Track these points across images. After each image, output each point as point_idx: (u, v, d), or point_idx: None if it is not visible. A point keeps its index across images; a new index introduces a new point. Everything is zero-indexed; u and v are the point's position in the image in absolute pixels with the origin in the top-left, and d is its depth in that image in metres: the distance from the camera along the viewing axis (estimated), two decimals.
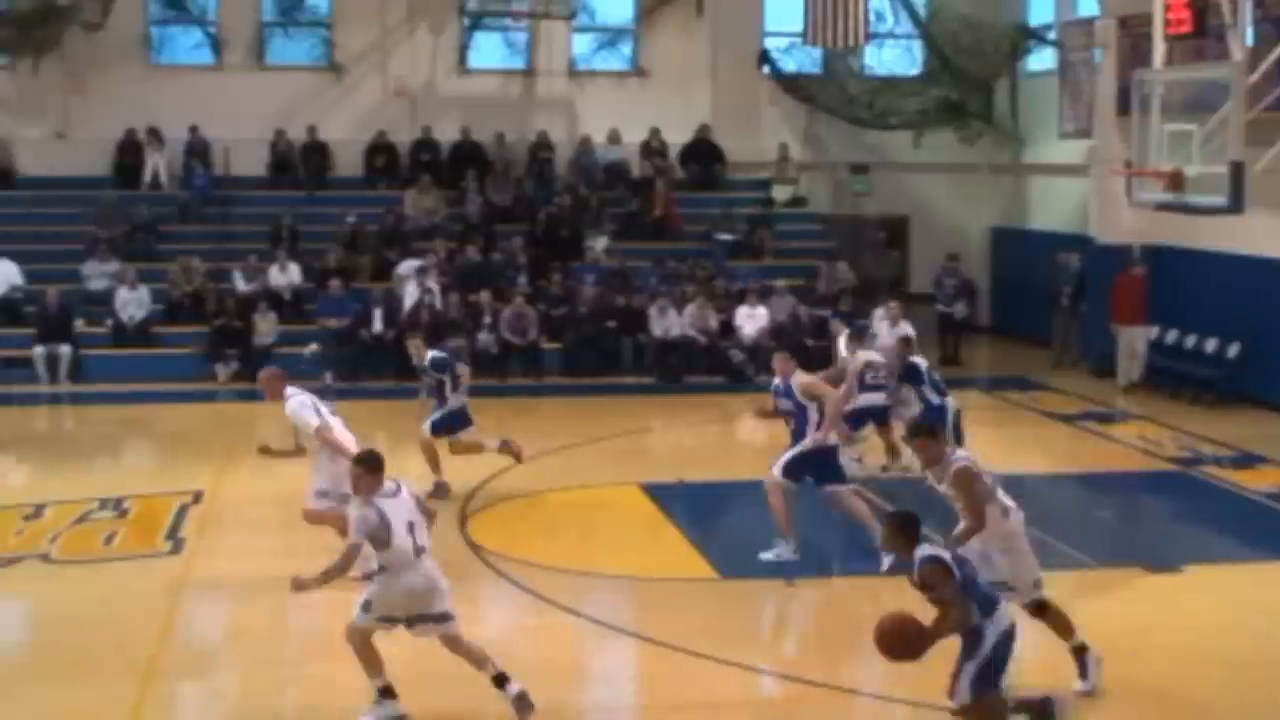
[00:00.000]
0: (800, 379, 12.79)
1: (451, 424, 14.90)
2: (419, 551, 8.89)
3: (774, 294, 23.22)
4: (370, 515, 8.79)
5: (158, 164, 26.30)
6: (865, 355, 15.82)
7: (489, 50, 28.23)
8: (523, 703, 8.96)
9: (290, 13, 27.65)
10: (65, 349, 21.72)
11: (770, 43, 27.85)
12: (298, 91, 27.08)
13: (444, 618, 9.02)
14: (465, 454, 15.06)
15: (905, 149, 27.29)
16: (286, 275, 23.66)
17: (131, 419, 20.07)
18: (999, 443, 17.06)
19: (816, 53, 26.86)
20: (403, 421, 17.99)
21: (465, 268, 23.83)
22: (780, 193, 27.46)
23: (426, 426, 14.87)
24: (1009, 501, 9.46)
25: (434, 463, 14.85)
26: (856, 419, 15.38)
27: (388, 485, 8.98)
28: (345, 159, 27.03)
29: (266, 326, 22.30)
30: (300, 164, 26.72)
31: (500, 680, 9.00)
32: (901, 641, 7.74)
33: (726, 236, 25.80)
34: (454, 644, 9.10)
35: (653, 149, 27.46)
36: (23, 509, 14.56)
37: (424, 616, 8.99)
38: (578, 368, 22.77)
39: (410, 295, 22.74)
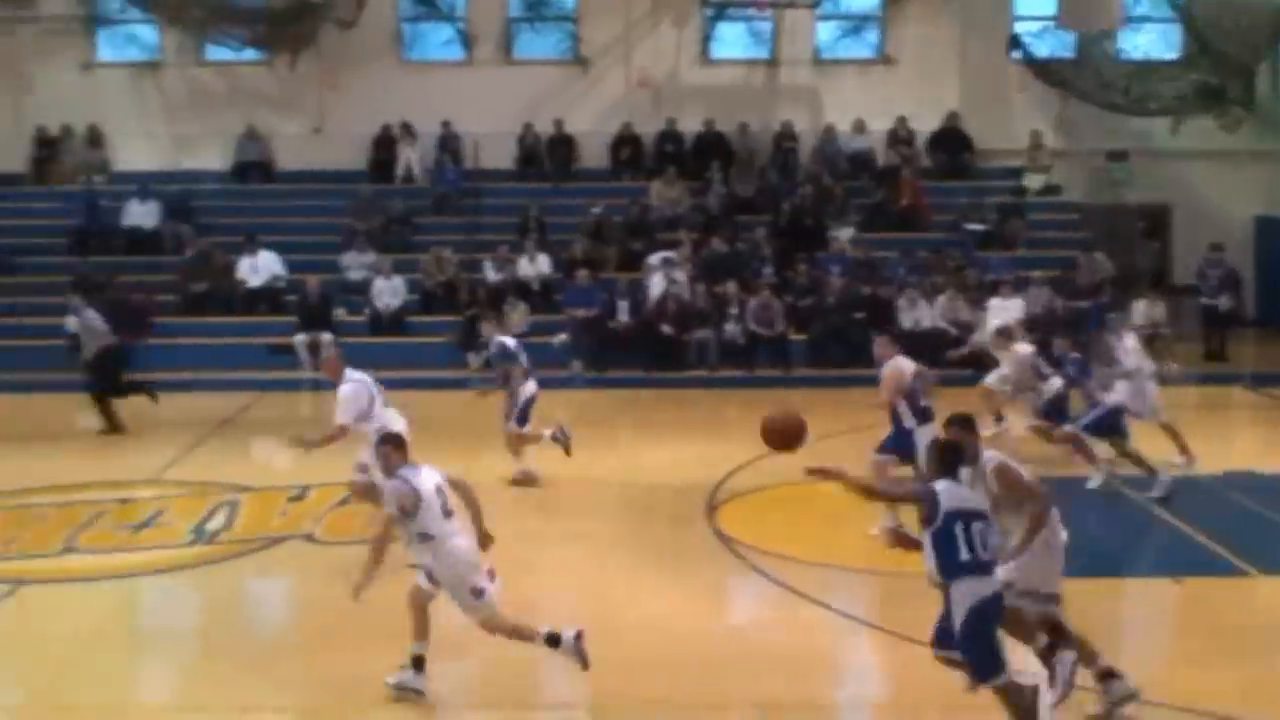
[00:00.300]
0: (890, 366, 12.75)
1: (527, 412, 15.27)
2: (448, 514, 9.41)
3: (1030, 285, 22.56)
4: (400, 485, 9.36)
5: (410, 158, 26.95)
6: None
7: (732, 40, 28.14)
8: (579, 646, 9.27)
9: (537, 8, 28.00)
10: (326, 336, 22.34)
11: (1020, 27, 27.09)
12: (544, 85, 27.42)
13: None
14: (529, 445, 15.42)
15: (1164, 135, 26.21)
16: (535, 266, 23.98)
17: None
18: (1264, 442, 16.26)
19: (1069, 37, 26.08)
20: (647, 410, 18.13)
21: (711, 258, 23.78)
22: (1032, 181, 26.73)
23: (512, 423, 15.23)
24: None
25: (518, 451, 15.25)
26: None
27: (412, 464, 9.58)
28: (591, 151, 27.28)
29: (517, 316, 22.59)
30: (547, 156, 27.07)
31: (553, 640, 9.34)
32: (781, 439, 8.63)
33: (976, 226, 25.20)
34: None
35: (899, 137, 27.03)
36: (288, 490, 15.05)
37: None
38: (825, 359, 22.50)
39: (656, 286, 22.82)
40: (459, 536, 9.45)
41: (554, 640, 9.39)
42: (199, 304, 23.76)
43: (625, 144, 27.04)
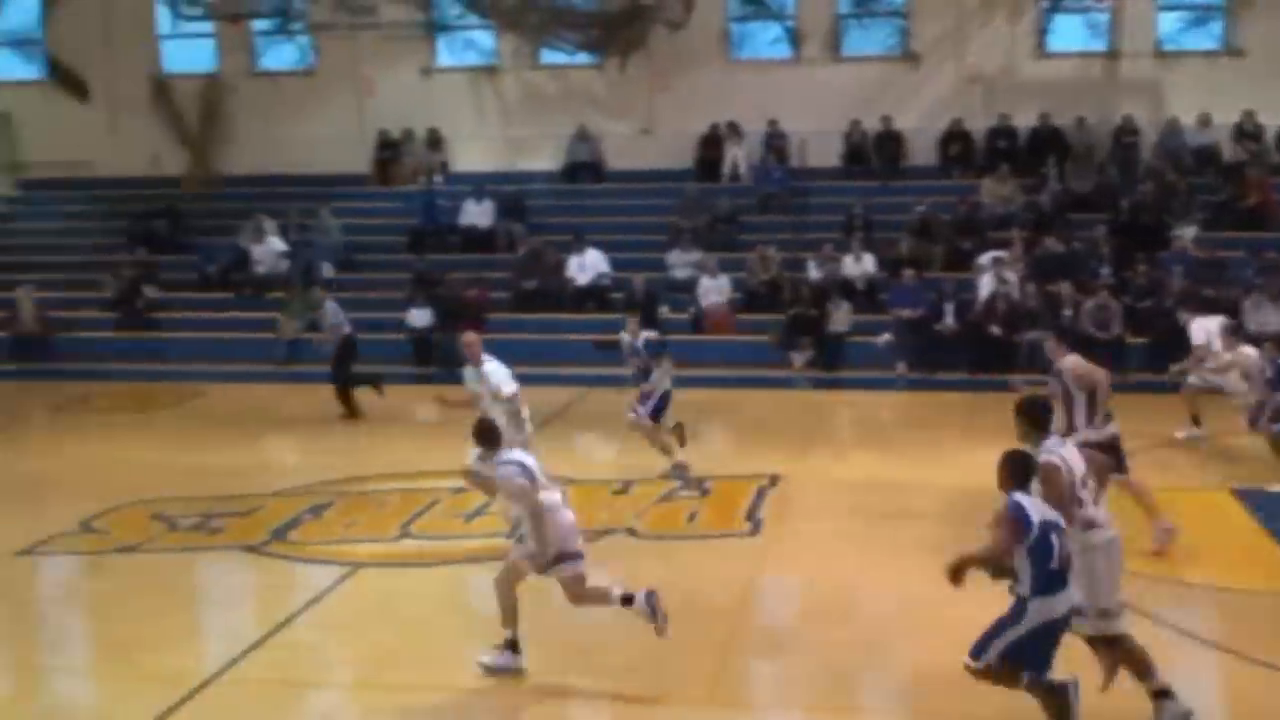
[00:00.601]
0: (1069, 361, 12.22)
1: (662, 407, 15.56)
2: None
3: None
4: (511, 469, 9.74)
5: (737, 157, 27.04)
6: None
7: (1069, 32, 27.31)
8: (653, 604, 9.71)
9: (867, 3, 27.75)
10: (651, 334, 22.56)
11: None
12: (872, 82, 27.11)
13: (579, 556, 9.91)
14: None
15: None
16: (860, 265, 23.70)
17: (710, 403, 20.61)
18: None
19: None
20: (973, 414, 17.63)
21: (1044, 258, 23.02)
22: None
23: (645, 411, 15.46)
24: (1099, 514, 8.67)
25: (664, 446, 15.44)
26: None
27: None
28: (919, 148, 26.84)
29: (841, 316, 22.37)
30: (874, 154, 26.73)
31: (627, 599, 9.77)
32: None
33: None
34: (579, 584, 9.86)
35: (1246, 132, 25.67)
36: (611, 484, 15.25)
37: (566, 555, 9.80)
38: (1162, 364, 21.43)
39: (986, 286, 22.24)
40: (566, 512, 9.90)
41: (628, 600, 9.82)
42: (529, 300, 24.38)
43: (955, 140, 26.48)
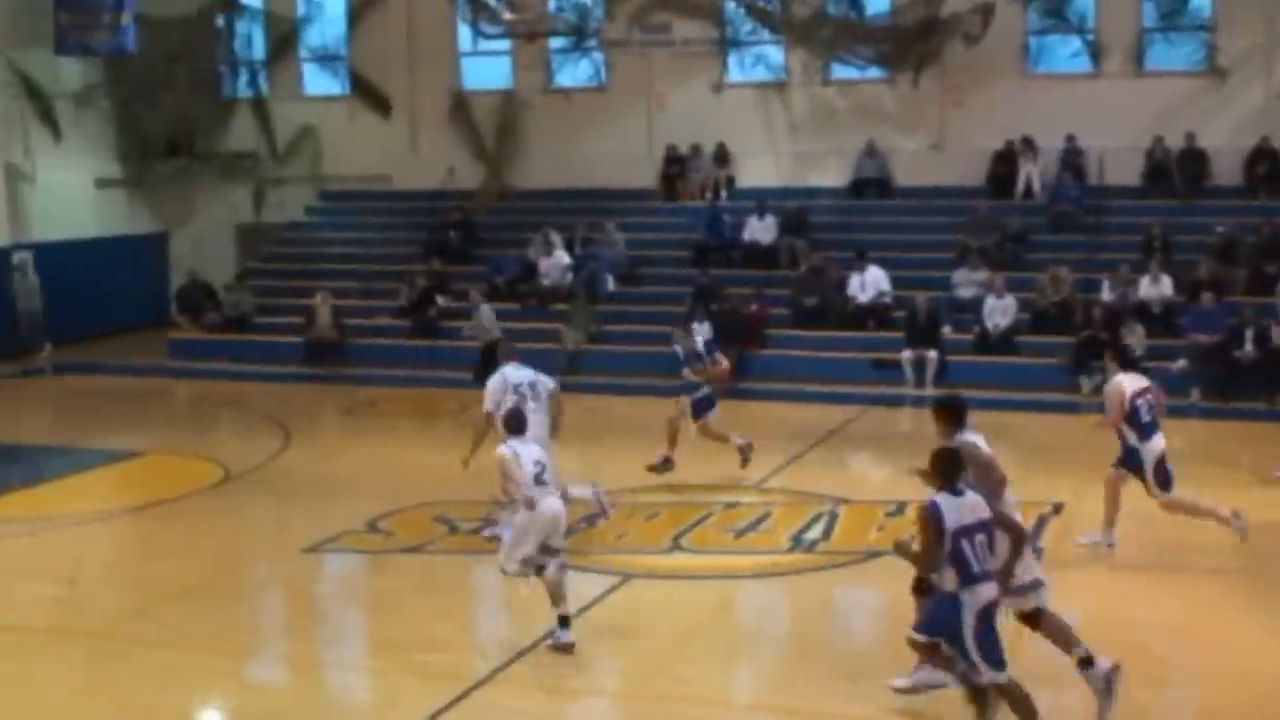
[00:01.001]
0: (1110, 385, 12.93)
1: (708, 406, 16.12)
2: (539, 480, 10.89)
3: None
4: (506, 452, 10.99)
5: (1031, 173, 26.33)
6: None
7: None
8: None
9: (1172, 17, 26.68)
10: (932, 354, 22.21)
11: None
12: (1176, 97, 26.02)
13: (559, 551, 10.94)
14: (713, 440, 16.23)
15: None
16: (1157, 287, 22.77)
17: (993, 426, 20.00)
18: None
19: None
20: (1270, 447, 16.80)
21: None
22: None
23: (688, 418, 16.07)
24: (1010, 497, 9.44)
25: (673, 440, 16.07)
26: None
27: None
28: (1224, 166, 25.61)
29: (1135, 339, 21.53)
30: (1176, 172, 25.67)
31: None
32: None
33: None
34: (560, 581, 10.77)
35: None
36: (885, 505, 14.98)
37: (549, 549, 10.80)
38: None
39: None
40: (552, 502, 10.97)
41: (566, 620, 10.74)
42: (809, 317, 24.21)
43: (1262, 159, 25.19)
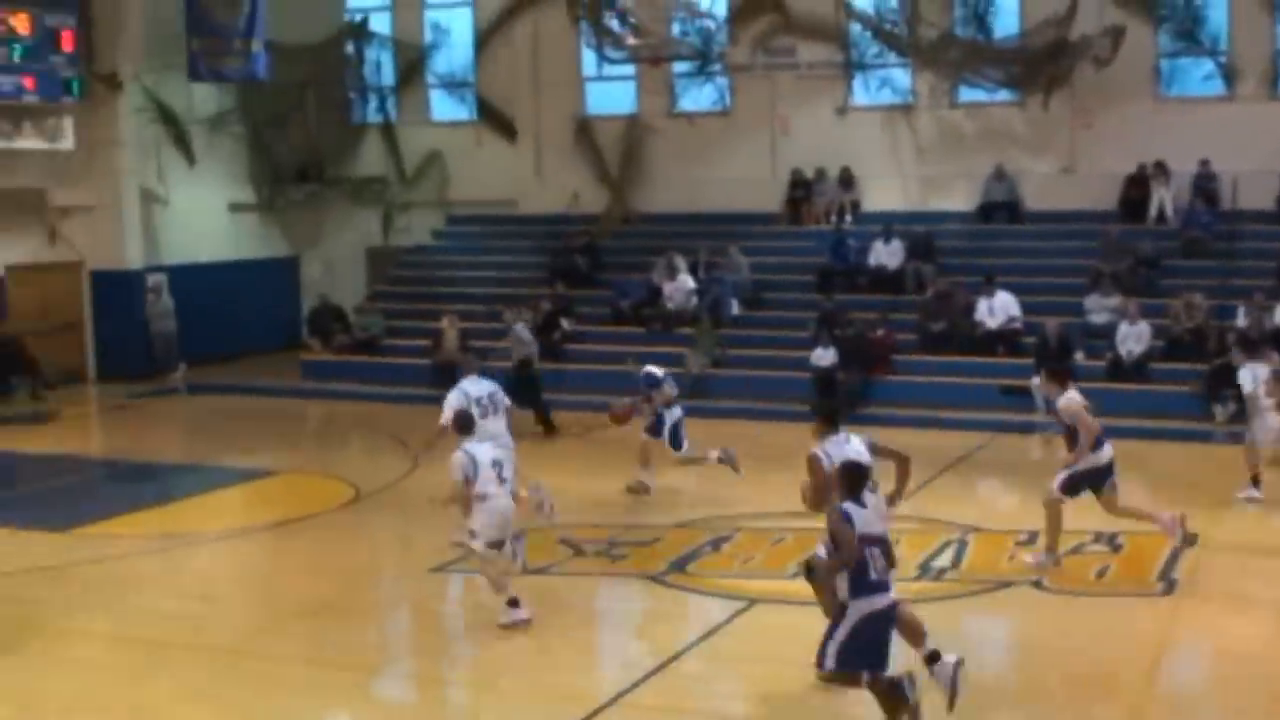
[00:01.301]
0: (1063, 400, 13.34)
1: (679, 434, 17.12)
2: (501, 480, 11.86)
3: None
4: (461, 457, 11.87)
5: (1163, 198, 25.86)
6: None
7: None
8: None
9: None
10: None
11: None
12: None
13: (518, 536, 12.13)
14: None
15: None
16: None
17: (1125, 454, 19.59)
18: None
19: None
20: None
21: None
22: None
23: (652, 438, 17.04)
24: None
25: (646, 462, 17.03)
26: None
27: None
28: None
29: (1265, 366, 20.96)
30: None
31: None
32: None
33: None
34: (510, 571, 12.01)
35: None
36: (1017, 534, 14.73)
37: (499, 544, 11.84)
38: None
39: None
40: (502, 501, 11.91)
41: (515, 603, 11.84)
42: (937, 343, 23.95)
43: None
